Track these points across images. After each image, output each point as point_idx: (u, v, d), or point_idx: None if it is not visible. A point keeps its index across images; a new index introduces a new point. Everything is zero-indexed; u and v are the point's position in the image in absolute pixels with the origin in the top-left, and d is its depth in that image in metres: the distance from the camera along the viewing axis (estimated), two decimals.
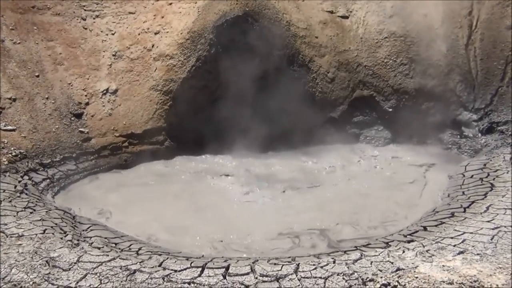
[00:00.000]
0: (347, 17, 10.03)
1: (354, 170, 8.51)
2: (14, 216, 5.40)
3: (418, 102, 9.68)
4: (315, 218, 6.56)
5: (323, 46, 9.69)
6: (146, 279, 3.95)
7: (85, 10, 9.39)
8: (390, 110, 9.80)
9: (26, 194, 6.38)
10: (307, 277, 3.94)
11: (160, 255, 4.81)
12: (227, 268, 4.15)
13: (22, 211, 5.64)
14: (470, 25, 9.62)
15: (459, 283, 3.75)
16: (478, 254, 4.28)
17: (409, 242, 4.94)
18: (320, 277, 3.93)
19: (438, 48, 9.63)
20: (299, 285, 3.81)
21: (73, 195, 7.41)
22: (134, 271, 4.08)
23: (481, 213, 5.45)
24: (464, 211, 5.71)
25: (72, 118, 8.43)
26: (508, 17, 9.26)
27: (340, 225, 6.35)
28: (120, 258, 4.38)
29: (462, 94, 9.46)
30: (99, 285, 3.84)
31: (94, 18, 9.40)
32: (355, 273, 3.97)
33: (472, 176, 7.11)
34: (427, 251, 4.40)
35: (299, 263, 4.20)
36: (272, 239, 6.02)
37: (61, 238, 4.90)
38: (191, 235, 6.13)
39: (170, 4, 9.45)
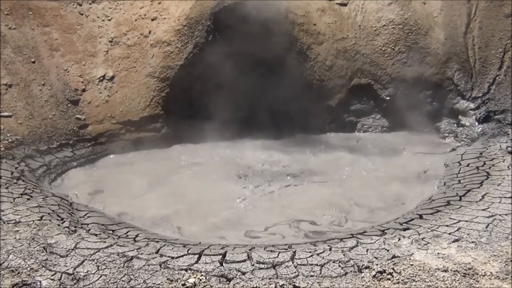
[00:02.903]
0: (345, 4, 9.95)
1: (349, 159, 8.49)
2: (11, 202, 5.41)
3: (416, 90, 9.66)
4: (306, 209, 6.52)
5: (321, 33, 9.63)
6: (143, 265, 3.98)
7: None
8: (388, 98, 9.79)
9: (23, 180, 6.38)
10: (303, 264, 3.96)
11: (157, 242, 4.83)
12: (224, 255, 4.18)
13: (19, 197, 5.64)
14: (469, 13, 9.58)
15: (454, 271, 3.78)
16: (473, 242, 4.31)
17: (404, 230, 4.97)
18: (316, 264, 3.96)
19: (436, 36, 9.60)
20: (295, 272, 3.84)
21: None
22: (132, 258, 4.10)
23: (476, 202, 5.48)
24: (460, 200, 5.74)
25: (69, 105, 8.39)
26: (507, 5, 9.23)
27: (326, 216, 6.25)
28: (117, 245, 4.40)
29: (460, 82, 9.46)
30: (96, 271, 3.86)
31: (90, 4, 9.29)
32: (351, 260, 4.00)
33: (468, 165, 7.14)
34: (422, 239, 4.44)
35: (295, 251, 4.23)
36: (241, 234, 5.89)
37: (58, 225, 4.91)
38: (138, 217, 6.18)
39: None
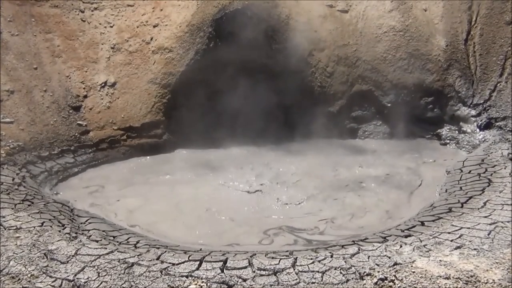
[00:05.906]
0: (346, 11, 9.99)
1: (350, 165, 8.46)
2: (12, 208, 5.40)
3: (417, 97, 9.68)
4: (302, 215, 6.48)
5: (322, 40, 9.66)
6: (144, 272, 3.96)
7: (83, 2, 9.34)
8: (389, 105, 9.79)
9: (24, 186, 6.38)
10: (304, 271, 3.94)
11: (158, 248, 4.82)
12: (225, 261, 4.16)
13: (20, 203, 5.64)
14: (470, 20, 9.61)
15: (456, 278, 3.76)
16: (475, 249, 4.29)
17: (406, 237, 4.95)
18: (318, 271, 3.93)
19: (437, 43, 9.63)
20: (296, 279, 3.82)
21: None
22: (132, 264, 4.09)
23: (478, 209, 5.46)
24: (462, 206, 5.72)
25: (70, 111, 8.41)
26: (507, 12, 9.26)
27: (323, 224, 6.16)
28: (118, 251, 4.39)
29: (461, 89, 9.46)
30: (97, 278, 3.85)
31: (92, 11, 9.35)
32: (353, 267, 3.98)
33: (470, 172, 7.13)
34: (424, 245, 4.42)
35: (296, 257, 4.21)
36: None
37: (59, 231, 4.90)
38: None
39: None
